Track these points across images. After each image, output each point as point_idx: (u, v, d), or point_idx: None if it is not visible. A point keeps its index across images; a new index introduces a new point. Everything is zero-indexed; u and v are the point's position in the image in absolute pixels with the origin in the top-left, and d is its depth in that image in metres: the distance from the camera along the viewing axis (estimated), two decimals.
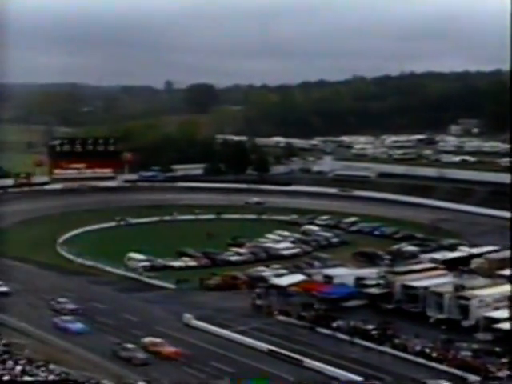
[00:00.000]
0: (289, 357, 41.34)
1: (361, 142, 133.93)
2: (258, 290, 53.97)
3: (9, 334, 41.63)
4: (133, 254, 66.29)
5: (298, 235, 77.86)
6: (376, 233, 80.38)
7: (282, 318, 49.62)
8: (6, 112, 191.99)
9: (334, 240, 76.53)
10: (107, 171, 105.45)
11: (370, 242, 74.29)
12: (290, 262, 65.36)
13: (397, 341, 43.06)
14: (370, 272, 55.65)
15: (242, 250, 70.78)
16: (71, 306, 50.12)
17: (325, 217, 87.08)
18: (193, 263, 66.62)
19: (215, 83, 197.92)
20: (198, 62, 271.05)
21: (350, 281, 53.77)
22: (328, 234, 77.98)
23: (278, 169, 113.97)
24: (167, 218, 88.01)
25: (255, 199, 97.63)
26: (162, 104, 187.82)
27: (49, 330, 45.48)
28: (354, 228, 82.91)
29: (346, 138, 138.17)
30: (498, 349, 40.76)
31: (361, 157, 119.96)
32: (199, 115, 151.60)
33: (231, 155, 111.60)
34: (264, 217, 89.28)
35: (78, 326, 46.00)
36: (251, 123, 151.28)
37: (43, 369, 30.86)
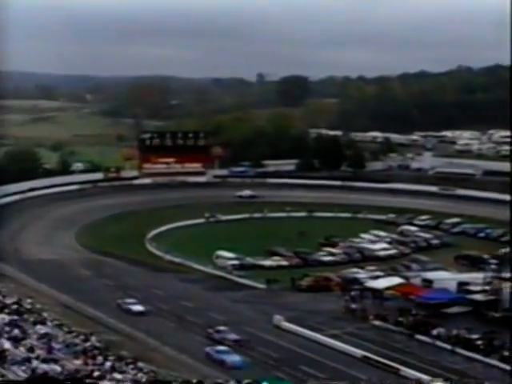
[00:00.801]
0: (384, 364, 40.58)
1: (465, 138, 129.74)
2: (351, 293, 53.37)
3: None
4: (222, 252, 67.16)
5: (395, 236, 76.46)
6: (481, 235, 77.71)
7: (377, 322, 48.81)
8: (96, 105, 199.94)
9: (435, 242, 74.60)
10: (197, 166, 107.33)
11: (474, 244, 71.91)
12: (387, 264, 64.29)
13: (505, 353, 41.29)
14: (474, 277, 53.73)
15: (335, 250, 70.27)
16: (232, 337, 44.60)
17: (424, 217, 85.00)
18: (284, 263, 66.77)
19: (309, 75, 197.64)
20: (292, 53, 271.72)
21: (452, 286, 52.12)
22: (428, 235, 76.09)
23: (375, 165, 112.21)
24: (257, 215, 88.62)
25: (248, 192, 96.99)
26: (253, 97, 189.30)
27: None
28: (456, 229, 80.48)
29: (448, 133, 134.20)
30: None
31: (465, 153, 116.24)
32: (292, 108, 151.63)
33: (325, 150, 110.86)
34: (359, 216, 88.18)
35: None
36: (346, 117, 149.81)
37: (132, 366, 31.73)
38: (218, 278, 62.26)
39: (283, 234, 76.71)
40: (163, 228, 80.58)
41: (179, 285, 59.81)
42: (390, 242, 73.34)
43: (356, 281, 57.19)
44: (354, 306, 51.39)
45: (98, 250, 70.33)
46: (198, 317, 49.55)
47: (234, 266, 64.54)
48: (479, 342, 43.03)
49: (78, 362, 25.83)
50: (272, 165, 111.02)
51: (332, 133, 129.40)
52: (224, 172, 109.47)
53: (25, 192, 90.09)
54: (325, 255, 69.12)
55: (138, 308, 50.33)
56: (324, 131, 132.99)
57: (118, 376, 25.19)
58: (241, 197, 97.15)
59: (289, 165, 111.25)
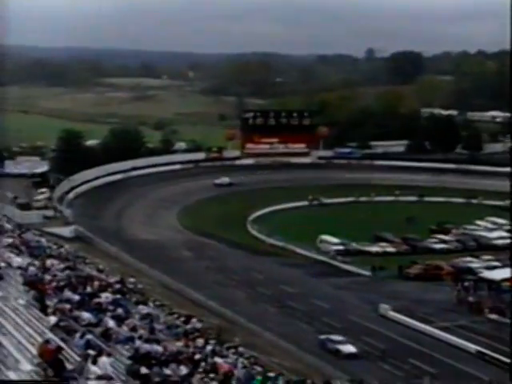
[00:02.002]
0: (501, 361, 39.33)
1: None
2: (464, 283, 52.05)
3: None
4: (326, 237, 67.10)
5: None
6: None
7: (493, 316, 47.30)
8: (198, 83, 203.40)
9: None
10: (301, 146, 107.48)
11: None
12: (505, 254, 61.96)
13: None
14: None
15: (447, 238, 68.70)
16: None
17: None
18: (391, 249, 66.03)
19: (422, 50, 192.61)
20: (403, 27, 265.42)
21: None
22: None
23: (493, 147, 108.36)
24: (363, 198, 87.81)
25: (227, 179, 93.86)
26: (361, 74, 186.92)
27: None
28: None
29: None
30: None
31: None
32: (403, 86, 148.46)
33: (438, 131, 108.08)
34: (474, 201, 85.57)
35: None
36: (463, 95, 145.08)
37: (233, 351, 32.40)
38: (322, 264, 62.32)
39: (391, 219, 75.71)
40: (265, 210, 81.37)
41: (281, 269, 60.33)
42: (508, 230, 70.74)
43: (470, 271, 55.70)
44: (467, 297, 50.10)
45: (199, 231, 72.02)
46: (300, 303, 49.86)
47: (338, 251, 64.38)
48: None
49: (179, 343, 26.63)
50: (380, 146, 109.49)
51: (446, 112, 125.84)
52: (329, 153, 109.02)
53: (128, 171, 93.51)
54: (436, 242, 67.78)
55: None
56: (437, 110, 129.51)
57: (218, 360, 25.78)
58: (219, 185, 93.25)
59: (398, 146, 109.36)
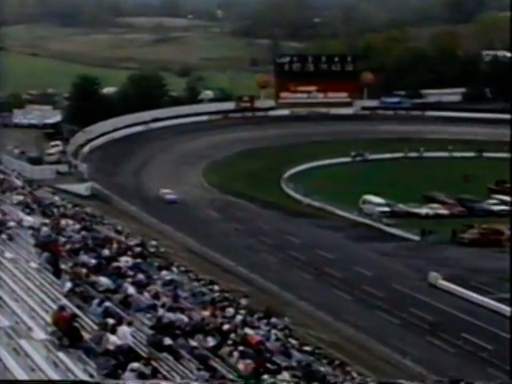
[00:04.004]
0: None
1: None
2: None
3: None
4: (369, 197, 66.98)
5: None
6: None
7: None
8: (228, 23, 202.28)
9: None
10: (342, 96, 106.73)
11: None
12: None
13: None
14: None
15: (508, 198, 68.05)
16: None
17: None
18: (443, 211, 65.79)
19: None
20: None
21: None
22: None
23: None
24: (413, 154, 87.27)
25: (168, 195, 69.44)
26: (412, 12, 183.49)
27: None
28: None
29: None
30: None
31: None
32: (460, 25, 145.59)
33: (500, 77, 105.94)
34: None
35: None
36: None
37: (265, 321, 32.80)
38: (365, 227, 62.41)
39: (444, 178, 75.25)
40: (302, 167, 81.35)
41: (319, 232, 60.54)
42: None
43: None
44: None
45: (227, 189, 72.37)
46: (339, 270, 50.14)
47: (383, 212, 64.28)
48: None
49: (206, 312, 27.00)
50: (433, 94, 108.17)
51: (510, 54, 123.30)
52: (374, 103, 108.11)
53: (149, 122, 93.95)
54: (495, 204, 67.27)
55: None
56: (500, 53, 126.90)
57: (249, 331, 26.13)
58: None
59: (454, 94, 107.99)
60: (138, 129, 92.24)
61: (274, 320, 33.82)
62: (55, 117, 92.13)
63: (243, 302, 36.06)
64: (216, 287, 37.68)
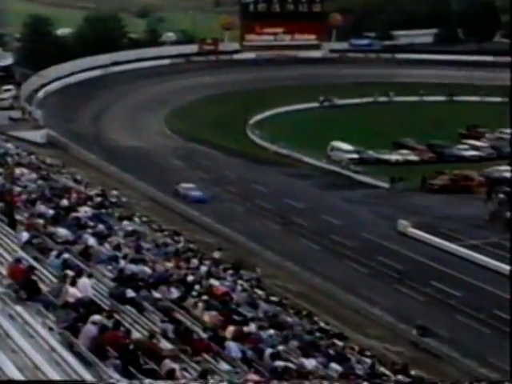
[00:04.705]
0: None
1: None
2: (499, 196, 52.53)
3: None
4: (337, 143, 67.20)
5: None
6: None
7: None
8: None
9: None
10: (310, 38, 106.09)
11: None
12: None
13: None
14: None
15: (479, 143, 68.83)
16: None
17: None
18: (413, 157, 66.32)
19: None
20: None
21: None
22: None
23: None
24: (382, 99, 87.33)
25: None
26: None
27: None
28: None
29: None
30: None
31: None
32: None
33: (473, 16, 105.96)
34: None
35: None
36: None
37: (231, 272, 33.10)
38: (333, 174, 62.69)
39: (414, 123, 75.54)
40: (268, 113, 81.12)
41: (286, 181, 60.73)
42: None
43: (505, 181, 56.04)
44: (500, 211, 50.66)
45: (191, 137, 72.06)
46: (307, 219, 50.50)
47: (352, 160, 64.57)
48: None
49: (170, 264, 27.16)
50: (403, 36, 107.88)
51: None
52: (343, 45, 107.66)
53: (107, 66, 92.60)
54: (466, 149, 67.92)
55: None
56: None
57: (214, 282, 26.35)
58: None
59: (426, 36, 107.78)
60: (96, 73, 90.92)
61: (243, 272, 34.21)
62: (6, 59, 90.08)
63: (216, 255, 36.30)
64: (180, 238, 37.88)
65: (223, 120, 77.10)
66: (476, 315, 36.84)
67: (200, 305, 21.25)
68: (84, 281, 17.83)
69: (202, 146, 69.64)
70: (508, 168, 60.07)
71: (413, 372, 26.65)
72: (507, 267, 42.02)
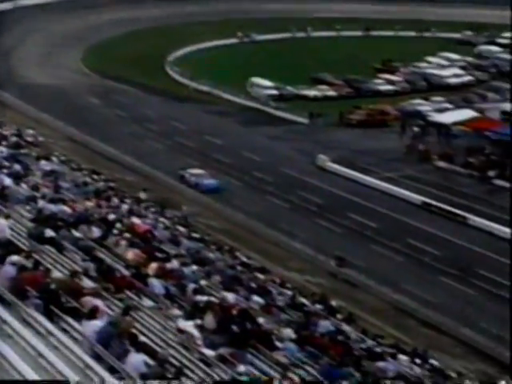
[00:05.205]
0: (448, 212, 41.46)
1: None
2: (413, 129, 53.56)
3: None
4: (257, 80, 67.02)
5: (470, 58, 75.06)
6: None
7: (442, 164, 49.33)
8: None
9: None
10: None
11: None
12: (458, 94, 63.66)
13: None
14: None
15: (394, 78, 69.63)
16: None
17: (509, 34, 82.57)
18: (331, 93, 66.68)
19: None
20: None
21: None
22: None
23: None
24: (300, 34, 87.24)
25: None
26: None
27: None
28: None
29: None
30: None
31: None
32: None
33: None
34: (427, 34, 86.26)
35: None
36: None
37: (153, 209, 33.01)
38: (253, 111, 62.66)
39: (331, 58, 75.80)
40: (187, 49, 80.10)
41: (206, 117, 60.41)
42: (463, 67, 72.18)
43: (419, 114, 57.11)
44: (414, 144, 51.75)
45: (108, 74, 70.59)
46: (229, 155, 50.52)
47: (271, 96, 64.63)
48: None
49: (90, 203, 26.85)
50: None
51: None
52: None
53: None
54: (381, 83, 68.67)
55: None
56: None
57: (136, 220, 26.23)
58: None
59: None
60: (3, 6, 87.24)
61: (168, 211, 34.20)
62: None
63: (142, 195, 36.04)
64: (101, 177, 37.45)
65: (141, 57, 75.62)
66: (391, 245, 37.85)
67: (122, 243, 21.16)
68: (0, 222, 17.50)
69: (119, 84, 68.39)
70: (421, 102, 61.24)
71: (332, 302, 27.30)
72: (420, 197, 43.29)
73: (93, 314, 13.25)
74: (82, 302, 14.07)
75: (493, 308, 32.04)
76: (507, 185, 45.19)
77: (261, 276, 27.59)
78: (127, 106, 61.76)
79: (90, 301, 14.09)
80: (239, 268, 27.81)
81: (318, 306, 25.34)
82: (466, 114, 54.10)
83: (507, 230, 38.75)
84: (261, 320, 18.29)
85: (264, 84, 66.42)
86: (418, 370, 20.52)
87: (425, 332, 29.92)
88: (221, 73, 70.51)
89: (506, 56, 74.98)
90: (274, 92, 65.38)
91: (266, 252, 36.01)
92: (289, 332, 18.45)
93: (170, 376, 11.44)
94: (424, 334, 29.48)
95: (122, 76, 69.75)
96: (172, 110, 62.00)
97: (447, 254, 36.74)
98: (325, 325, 21.35)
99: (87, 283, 15.63)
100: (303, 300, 25.83)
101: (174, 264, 21.22)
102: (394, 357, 20.74)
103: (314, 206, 42.66)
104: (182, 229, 31.95)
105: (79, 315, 13.50)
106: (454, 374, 22.31)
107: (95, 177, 36.94)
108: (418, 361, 21.73)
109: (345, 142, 54.59)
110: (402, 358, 21.23)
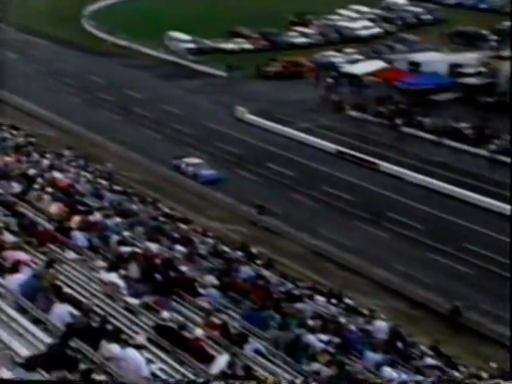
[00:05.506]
0: (361, 159, 42.15)
1: None
2: (326, 80, 53.91)
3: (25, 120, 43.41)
4: (175, 33, 66.07)
5: (378, 11, 75.59)
6: (482, 6, 76.72)
7: (354, 113, 49.94)
8: None
9: (426, 17, 74.32)
10: None
11: (473, 18, 70.99)
12: (368, 46, 64.24)
13: (497, 142, 42.98)
14: (469, 57, 54.02)
15: (307, 30, 69.59)
16: None
17: None
18: (248, 46, 66.37)
19: None
20: None
21: (443, 68, 52.68)
22: (418, 10, 75.42)
23: None
24: None
25: None
26: None
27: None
28: (452, 1, 79.51)
29: None
30: None
31: None
32: None
33: None
34: None
35: None
36: None
37: (74, 164, 32.41)
38: (171, 64, 61.95)
39: (247, 12, 75.14)
40: (103, 3, 78.25)
41: (125, 72, 59.41)
42: (372, 19, 72.67)
43: (332, 66, 57.50)
44: (328, 95, 52.16)
45: (24, 28, 68.26)
46: (148, 109, 49.98)
47: (189, 49, 63.92)
48: (468, 132, 44.59)
49: (10, 158, 26.17)
50: None
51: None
52: None
53: None
54: (296, 36, 68.51)
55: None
56: None
57: (57, 175, 25.74)
58: None
59: None
60: None
61: (91, 165, 33.66)
62: None
63: (67, 153, 35.28)
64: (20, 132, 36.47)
65: (57, 10, 73.53)
66: (308, 192, 38.33)
67: (45, 197, 20.75)
68: None
69: (35, 38, 66.40)
70: (334, 53, 61.52)
71: (253, 249, 27.55)
72: (335, 146, 43.83)
73: (15, 267, 13.01)
74: (3, 256, 13.78)
75: (403, 249, 32.95)
76: (414, 132, 46.31)
77: (183, 226, 27.58)
78: (44, 60, 60.15)
79: (13, 255, 13.82)
80: (162, 219, 27.70)
81: (239, 253, 25.53)
82: (376, 64, 54.81)
83: (415, 174, 39.74)
84: (184, 268, 18.34)
85: (181, 38, 65.56)
86: (333, 309, 21.01)
87: (340, 274, 30.58)
88: (138, 26, 69.23)
89: (412, 9, 75.96)
90: (192, 45, 64.61)
91: (188, 203, 35.99)
92: (211, 279, 18.54)
93: (95, 325, 11.36)
94: (339, 276, 30.13)
95: (37, 29, 67.72)
96: (90, 64, 60.60)
97: (361, 199, 37.43)
98: (246, 271, 21.57)
99: (9, 238, 15.30)
100: (225, 248, 25.97)
101: (96, 217, 20.94)
102: (311, 298, 21.22)
103: (233, 156, 42.70)
104: (104, 182, 31.52)
105: (1, 269, 13.24)
106: (366, 311, 22.87)
107: (14, 132, 35.94)
108: (333, 301, 22.21)
109: (262, 93, 54.56)
110: (319, 298, 21.69)
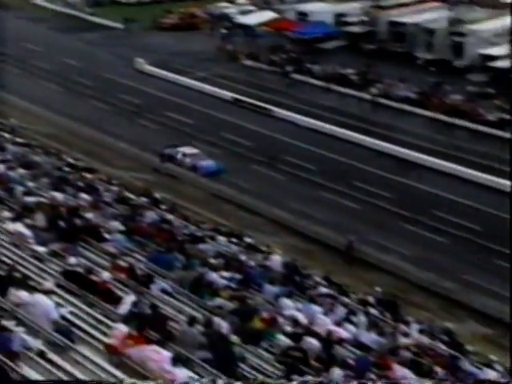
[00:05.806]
0: (256, 106, 42.34)
1: None
2: (221, 31, 53.54)
3: None
4: None
5: None
6: None
7: (248, 62, 49.97)
8: None
9: None
10: None
11: None
12: None
13: (379, 86, 44.02)
14: (352, 7, 54.64)
15: None
16: None
17: None
18: None
19: None
20: None
21: (329, 18, 53.19)
22: None
23: None
24: None
25: None
26: None
27: None
28: None
29: None
30: (491, 90, 42.11)
31: None
32: None
33: None
34: None
35: None
36: None
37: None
38: (68, 17, 60.24)
39: None
40: None
41: (21, 24, 56.84)
42: None
43: (226, 17, 57.08)
44: (223, 45, 51.88)
45: None
46: (47, 62, 48.48)
47: (85, 1, 62.26)
48: (353, 77, 45.43)
49: None
50: None
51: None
52: None
53: None
54: None
55: None
56: None
57: None
58: None
59: None
60: None
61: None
62: None
63: None
64: None
65: None
66: (206, 139, 38.06)
67: None
68: None
69: None
70: (227, 5, 60.94)
71: (156, 194, 27.39)
72: (231, 94, 43.76)
73: None
74: None
75: (298, 189, 33.50)
76: (304, 78, 46.80)
77: (88, 175, 27.05)
78: None
79: None
80: (66, 169, 27.08)
81: (144, 199, 25.36)
82: (268, 15, 54.82)
83: (307, 119, 40.22)
84: (89, 215, 18.12)
85: None
86: (234, 247, 21.28)
87: (240, 215, 30.85)
88: None
89: None
90: None
91: (92, 153, 35.22)
92: (116, 224, 18.42)
93: (2, 273, 11.17)
94: (239, 217, 30.40)
95: None
96: None
97: (258, 144, 37.66)
98: (150, 215, 21.52)
99: None
100: (129, 194, 25.71)
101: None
102: (213, 239, 21.42)
103: (134, 107, 42.01)
104: (6, 135, 30.45)
105: None
106: (264, 248, 23.22)
107: None
108: (234, 240, 22.47)
109: (159, 45, 53.67)
110: (221, 239, 21.90)
